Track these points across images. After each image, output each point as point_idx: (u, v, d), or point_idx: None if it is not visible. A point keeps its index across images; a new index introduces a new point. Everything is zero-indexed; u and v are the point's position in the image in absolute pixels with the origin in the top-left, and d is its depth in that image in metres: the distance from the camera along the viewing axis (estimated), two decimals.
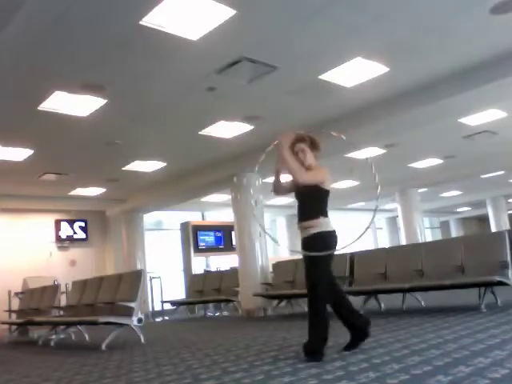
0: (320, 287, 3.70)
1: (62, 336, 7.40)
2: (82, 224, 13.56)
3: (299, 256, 4.93)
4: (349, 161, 10.96)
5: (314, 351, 3.62)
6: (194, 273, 13.62)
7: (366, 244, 20.40)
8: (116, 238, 13.59)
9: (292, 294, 8.37)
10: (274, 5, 4.76)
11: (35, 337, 8.59)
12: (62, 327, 7.40)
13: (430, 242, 11.44)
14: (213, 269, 14.18)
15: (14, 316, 9.95)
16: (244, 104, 7.36)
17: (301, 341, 3.63)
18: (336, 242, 3.83)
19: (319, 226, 3.78)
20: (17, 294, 10.79)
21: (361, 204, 18.07)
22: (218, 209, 15.42)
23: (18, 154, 8.53)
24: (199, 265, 14.56)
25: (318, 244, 3.75)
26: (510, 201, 20.74)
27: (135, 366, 4.31)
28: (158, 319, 11.46)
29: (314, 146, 3.98)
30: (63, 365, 4.96)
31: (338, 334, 5.00)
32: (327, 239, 3.80)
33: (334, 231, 3.85)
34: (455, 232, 24.87)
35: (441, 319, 5.25)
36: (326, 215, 3.84)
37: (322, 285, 3.72)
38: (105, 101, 6.63)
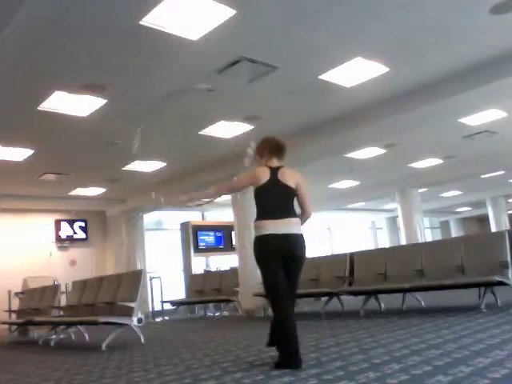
0: None
1: (61, 336, 7.40)
2: (82, 224, 13.55)
3: None
4: (349, 161, 10.97)
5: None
6: (193, 273, 13.62)
7: (366, 244, 20.42)
8: (116, 238, 13.60)
9: None
10: (274, 5, 4.76)
11: (35, 337, 8.59)
12: (62, 327, 7.40)
13: (430, 242, 11.44)
14: (213, 269, 14.17)
15: (14, 316, 9.95)
16: (244, 104, 7.36)
17: (301, 341, 3.61)
18: None
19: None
20: (17, 293, 10.78)
21: (361, 204, 18.07)
22: (217, 209, 15.41)
23: (18, 153, 8.53)
24: (199, 265, 14.56)
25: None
26: (510, 201, 20.73)
27: (135, 366, 4.31)
28: (158, 319, 11.45)
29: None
30: (63, 365, 4.96)
31: (336, 334, 5.01)
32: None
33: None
34: (455, 232, 24.85)
35: (441, 319, 5.24)
36: (258, 217, 3.61)
37: None
38: (105, 101, 6.63)
